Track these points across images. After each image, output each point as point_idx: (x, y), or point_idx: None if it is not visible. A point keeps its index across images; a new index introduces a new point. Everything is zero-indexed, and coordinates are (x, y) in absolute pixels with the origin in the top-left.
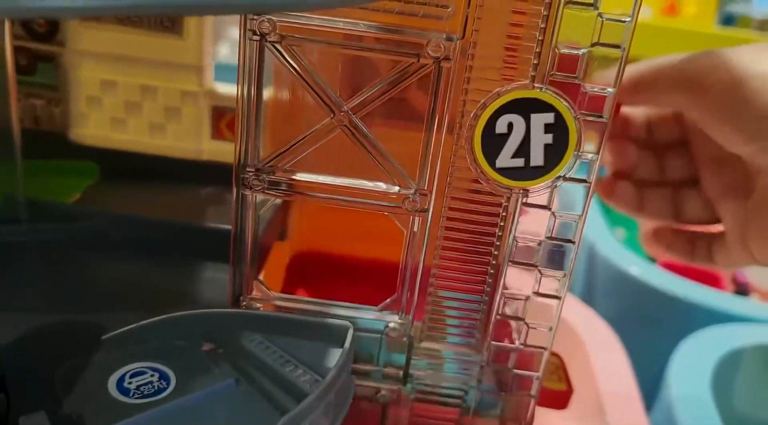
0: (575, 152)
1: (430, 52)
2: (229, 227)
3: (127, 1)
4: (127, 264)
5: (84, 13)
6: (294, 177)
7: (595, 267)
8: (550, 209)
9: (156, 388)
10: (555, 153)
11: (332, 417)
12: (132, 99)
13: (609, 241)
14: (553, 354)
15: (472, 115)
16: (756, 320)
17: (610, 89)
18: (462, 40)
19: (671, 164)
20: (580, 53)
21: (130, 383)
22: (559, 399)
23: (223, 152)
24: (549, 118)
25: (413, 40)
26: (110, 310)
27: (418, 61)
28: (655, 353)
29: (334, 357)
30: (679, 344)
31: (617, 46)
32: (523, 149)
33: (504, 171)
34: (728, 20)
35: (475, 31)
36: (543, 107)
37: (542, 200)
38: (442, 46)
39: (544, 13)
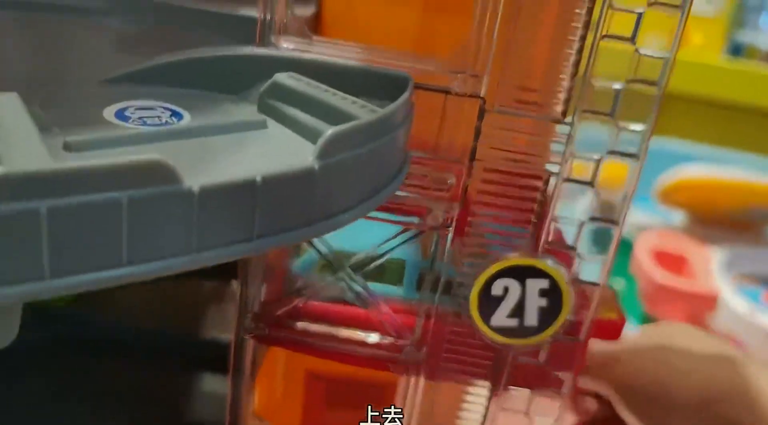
0: (569, 315)
1: (429, 221)
2: None
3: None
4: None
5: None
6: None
7: None
8: None
9: (163, 121)
10: (549, 315)
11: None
12: None
13: None
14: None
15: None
16: None
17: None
18: (461, 209)
19: None
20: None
21: (132, 113)
22: (611, 329)
23: None
24: (544, 283)
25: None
26: (117, 62)
27: (418, 227)
28: None
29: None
30: None
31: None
32: (517, 310)
33: (498, 329)
34: (736, 50)
35: (474, 202)
36: (539, 273)
37: None
38: (440, 215)
39: (540, 199)
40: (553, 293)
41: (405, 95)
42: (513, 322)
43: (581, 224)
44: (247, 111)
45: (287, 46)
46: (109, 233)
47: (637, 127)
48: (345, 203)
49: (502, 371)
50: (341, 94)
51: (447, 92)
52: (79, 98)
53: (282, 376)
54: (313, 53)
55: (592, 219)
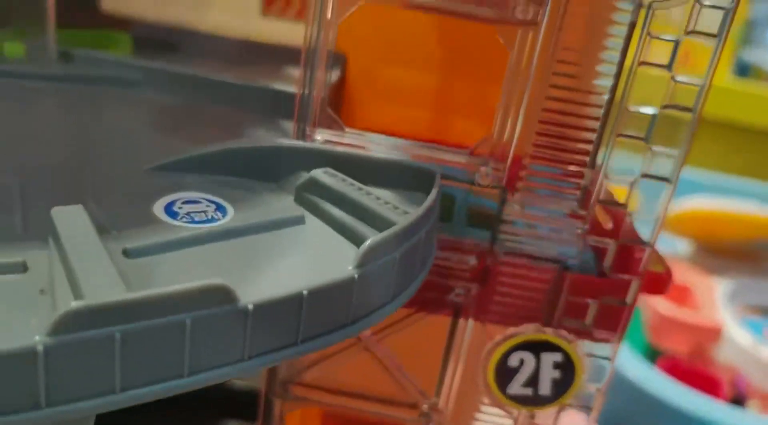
0: (579, 389)
1: (450, 298)
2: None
3: None
4: (168, 112)
5: None
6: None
7: None
8: None
9: (209, 217)
10: (562, 386)
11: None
12: None
13: None
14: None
15: (487, 349)
16: None
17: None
18: (481, 288)
19: None
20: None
21: (180, 208)
22: (658, 282)
23: (273, 30)
24: (558, 357)
25: (434, 288)
26: (152, 147)
27: (441, 304)
28: None
29: (419, 202)
30: None
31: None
32: (532, 381)
33: (514, 397)
34: (743, 70)
35: (493, 282)
36: (553, 347)
37: None
38: (462, 293)
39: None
40: (567, 366)
41: (433, 193)
42: (528, 391)
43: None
44: (286, 203)
45: (321, 138)
46: (173, 350)
47: (672, 152)
48: (382, 299)
49: (554, 312)
50: (374, 194)
51: (471, 183)
52: (128, 192)
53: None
54: (345, 142)
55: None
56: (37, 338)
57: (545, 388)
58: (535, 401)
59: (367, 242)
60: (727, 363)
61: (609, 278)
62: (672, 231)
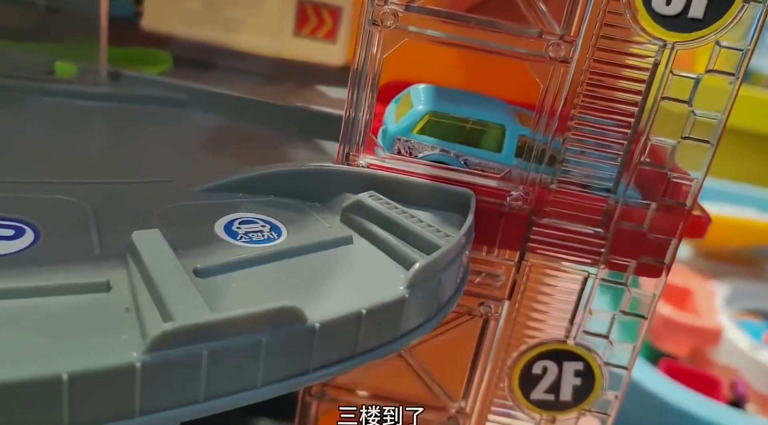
0: (599, 395)
1: (480, 311)
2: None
3: None
4: (212, 131)
5: None
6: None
7: None
8: None
9: (266, 237)
10: (582, 393)
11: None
12: None
13: None
14: None
15: (512, 358)
16: None
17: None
18: (509, 301)
19: None
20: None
21: (239, 228)
22: (697, 226)
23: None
24: (579, 366)
25: (465, 302)
26: (202, 166)
27: (471, 315)
28: None
29: (455, 223)
30: None
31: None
32: (554, 387)
33: (536, 402)
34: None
35: (520, 295)
36: (574, 356)
37: None
38: (491, 306)
39: (581, 286)
40: (587, 374)
41: (470, 218)
42: (550, 397)
43: None
44: (333, 223)
45: (364, 162)
46: (251, 364)
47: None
48: (426, 315)
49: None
50: (417, 217)
51: (501, 205)
52: (188, 212)
53: None
54: (386, 166)
55: None
56: (134, 354)
57: (566, 394)
58: (556, 406)
59: (417, 265)
60: (726, 366)
61: (659, 209)
62: None
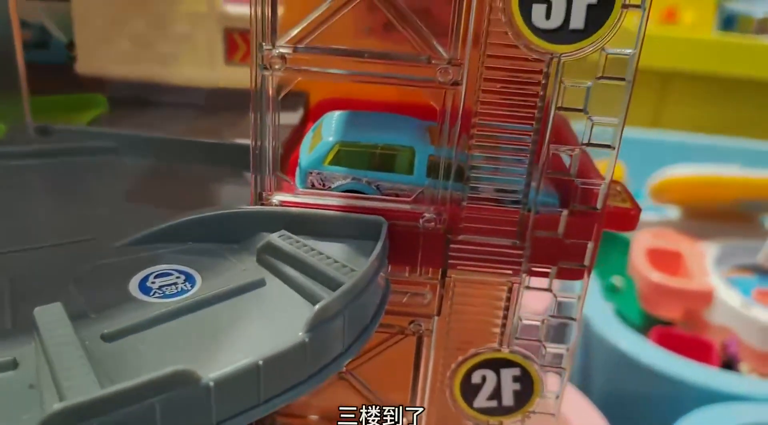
0: (540, 397)
1: (411, 329)
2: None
3: None
4: (142, 177)
5: None
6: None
7: (590, 341)
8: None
9: (179, 289)
10: (523, 396)
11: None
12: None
13: (602, 312)
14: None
15: (451, 369)
16: (746, 398)
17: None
18: (439, 317)
19: None
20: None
21: (153, 283)
22: (626, 218)
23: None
24: (516, 371)
25: (395, 321)
26: (128, 217)
27: (404, 334)
28: None
29: (369, 251)
30: None
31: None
32: (495, 394)
33: (481, 410)
34: (729, 22)
35: (448, 311)
36: (510, 363)
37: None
38: (421, 324)
39: (507, 295)
40: (525, 379)
41: (379, 246)
42: (493, 403)
43: None
44: (248, 265)
45: (276, 200)
46: None
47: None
48: (337, 351)
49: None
50: (325, 254)
51: (416, 227)
52: (105, 271)
53: None
54: (299, 201)
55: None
56: None
57: (508, 399)
58: (500, 411)
59: (316, 307)
60: (721, 326)
61: (571, 214)
62: (657, 200)
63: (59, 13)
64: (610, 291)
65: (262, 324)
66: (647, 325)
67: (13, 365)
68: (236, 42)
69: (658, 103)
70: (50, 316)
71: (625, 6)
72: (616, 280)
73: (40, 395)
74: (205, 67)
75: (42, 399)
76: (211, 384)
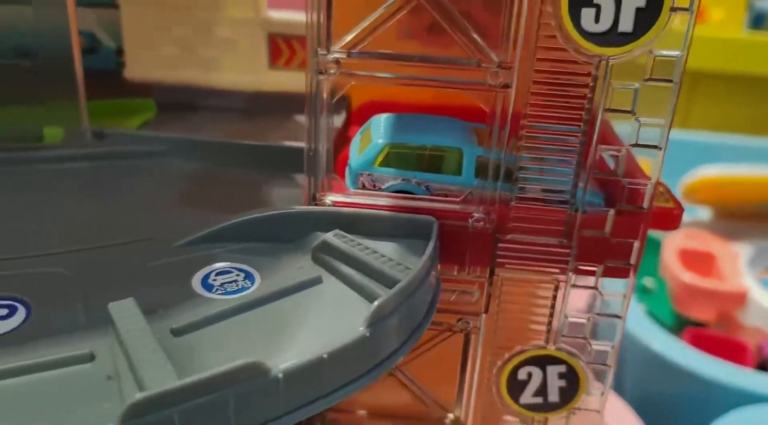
0: (585, 394)
1: (459, 326)
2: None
3: None
4: (192, 179)
5: None
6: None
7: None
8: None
9: (240, 286)
10: (569, 393)
11: (422, 314)
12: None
13: (634, 313)
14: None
15: (497, 366)
16: None
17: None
18: (486, 315)
19: None
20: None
21: (214, 280)
22: (669, 218)
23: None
24: (562, 368)
25: (444, 319)
26: (182, 218)
27: (451, 331)
28: None
29: (419, 250)
30: None
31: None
32: (541, 391)
33: (526, 406)
34: (759, 21)
35: (496, 309)
36: (556, 360)
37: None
38: (469, 321)
39: (553, 293)
40: (571, 376)
41: (431, 245)
42: (538, 400)
43: None
44: (304, 263)
45: (329, 201)
46: (222, 419)
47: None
48: (394, 346)
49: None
50: (380, 252)
51: (465, 227)
52: (167, 270)
53: None
54: (351, 202)
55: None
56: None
57: (554, 396)
58: (546, 408)
59: (375, 304)
60: (756, 328)
61: (618, 214)
62: (689, 200)
63: (108, 21)
64: (642, 292)
65: (322, 319)
66: (679, 326)
67: (90, 357)
68: (279, 47)
69: (687, 104)
70: (125, 311)
71: (673, 9)
72: (647, 281)
73: (119, 386)
74: (248, 72)
75: (121, 390)
76: (280, 375)
